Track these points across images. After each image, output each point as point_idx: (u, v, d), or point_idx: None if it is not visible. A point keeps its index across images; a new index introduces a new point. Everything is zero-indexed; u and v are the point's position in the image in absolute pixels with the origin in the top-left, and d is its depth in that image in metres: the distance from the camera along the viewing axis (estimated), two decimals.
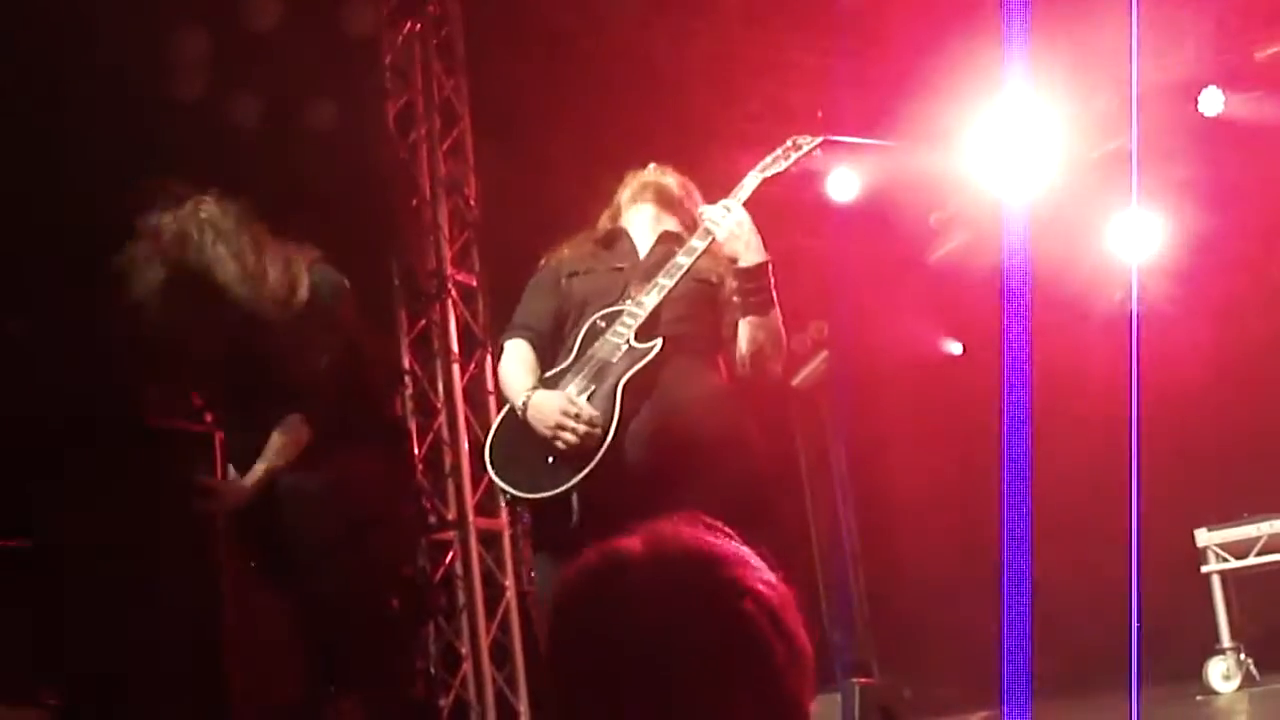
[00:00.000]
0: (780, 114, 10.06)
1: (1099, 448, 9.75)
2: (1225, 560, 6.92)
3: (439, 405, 7.84)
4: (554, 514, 4.11)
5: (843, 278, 11.05)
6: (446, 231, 7.95)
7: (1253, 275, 9.10)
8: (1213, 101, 8.22)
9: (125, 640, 4.54)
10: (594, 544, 1.87)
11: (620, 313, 4.26)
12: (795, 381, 11.51)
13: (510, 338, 4.50)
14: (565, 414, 4.08)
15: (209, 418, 5.73)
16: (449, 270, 7.90)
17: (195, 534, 4.72)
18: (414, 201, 7.99)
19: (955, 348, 11.70)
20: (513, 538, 7.80)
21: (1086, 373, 9.74)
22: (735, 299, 4.36)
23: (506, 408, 4.36)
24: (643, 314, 4.22)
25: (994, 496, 10.79)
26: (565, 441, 4.07)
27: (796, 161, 4.52)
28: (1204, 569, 6.96)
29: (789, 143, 4.57)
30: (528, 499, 4.20)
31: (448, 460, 7.79)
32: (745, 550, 1.86)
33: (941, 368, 11.70)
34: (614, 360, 4.18)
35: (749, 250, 4.30)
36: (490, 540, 7.82)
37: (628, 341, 4.19)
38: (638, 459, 4.08)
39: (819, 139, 4.58)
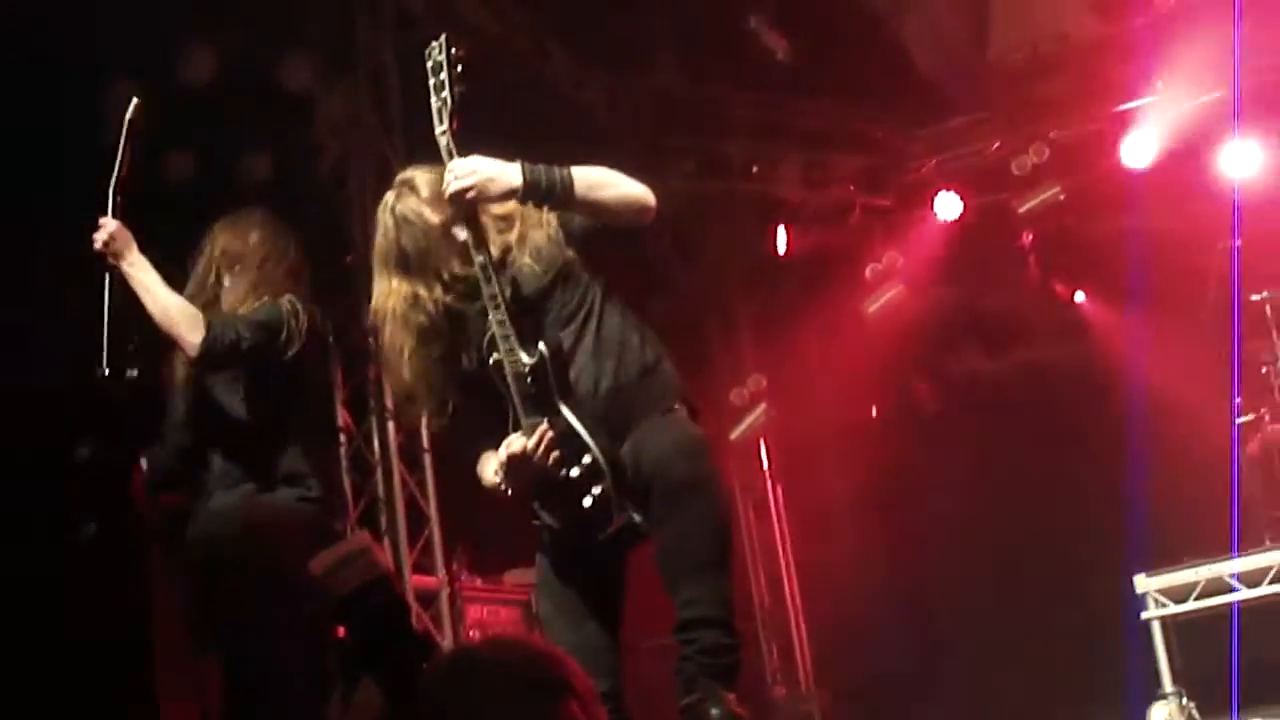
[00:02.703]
0: (716, 167, 10.14)
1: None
2: (1165, 605, 6.93)
3: (375, 463, 7.78)
4: (617, 538, 4.03)
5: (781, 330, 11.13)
6: None
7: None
8: None
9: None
10: None
11: (494, 340, 4.03)
12: (734, 435, 11.51)
13: (474, 457, 4.24)
14: (513, 463, 3.98)
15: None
16: None
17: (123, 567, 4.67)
18: (348, 258, 7.94)
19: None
20: (450, 596, 7.73)
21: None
22: (547, 215, 4.12)
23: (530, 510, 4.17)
24: (505, 329, 3.97)
25: (933, 547, 10.88)
26: (546, 470, 3.95)
27: (463, 77, 4.16)
28: (1144, 615, 6.97)
29: (430, 68, 4.23)
30: (599, 540, 4.03)
31: (384, 518, 7.72)
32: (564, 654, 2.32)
33: (870, 427, 11.79)
34: (531, 389, 3.98)
35: (502, 178, 3.97)
36: (427, 599, 7.75)
37: (522, 362, 3.98)
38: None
39: (444, 38, 4.24)
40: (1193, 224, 9.04)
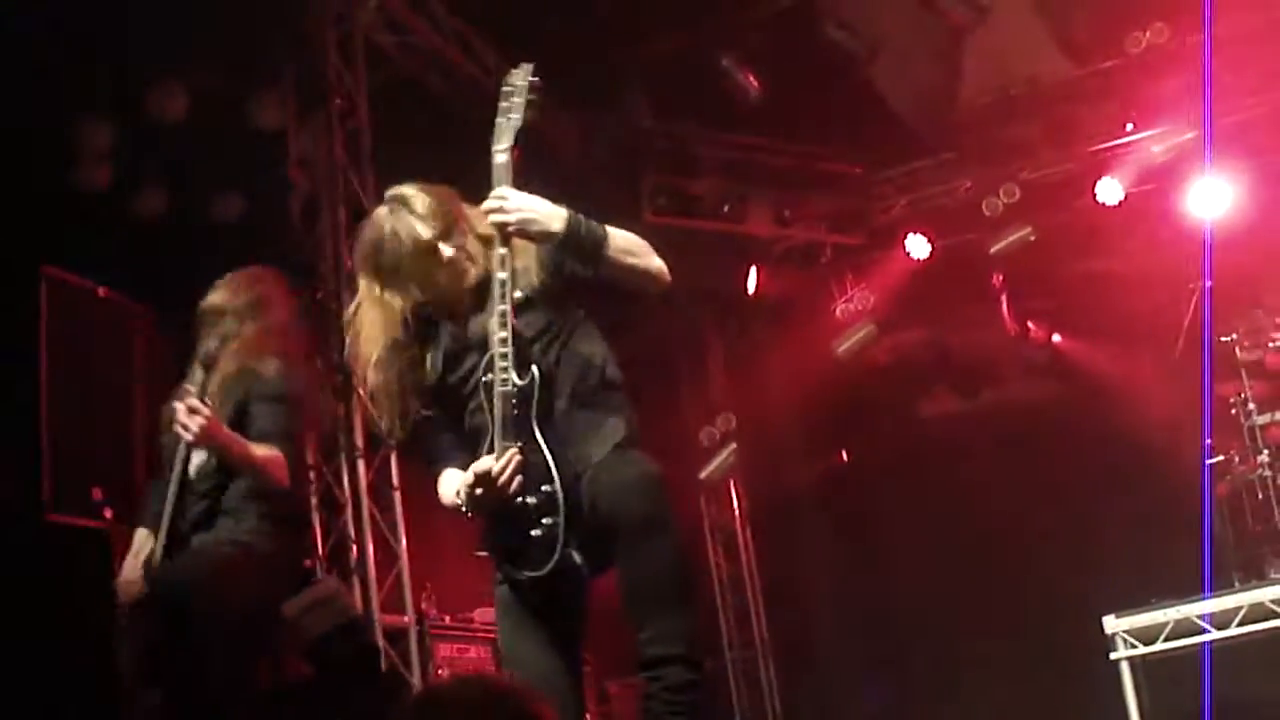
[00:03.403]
0: (687, 206, 10.16)
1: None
2: (1134, 646, 6.93)
3: (344, 501, 7.75)
4: (564, 577, 3.98)
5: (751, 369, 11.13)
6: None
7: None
8: None
9: None
10: None
11: (488, 358, 4.01)
12: (703, 475, 11.52)
13: (434, 474, 4.23)
14: (478, 484, 3.93)
15: (108, 514, 5.65)
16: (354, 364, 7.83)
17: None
18: (318, 294, 7.92)
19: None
20: (419, 634, 7.69)
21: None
22: (575, 266, 4.09)
23: (481, 530, 4.12)
24: (507, 349, 3.96)
25: (902, 590, 10.89)
26: (506, 495, 3.91)
27: (532, 106, 4.11)
28: (1112, 656, 6.96)
29: (505, 92, 4.16)
30: (538, 576, 3.98)
31: (353, 556, 7.68)
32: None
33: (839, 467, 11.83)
34: (514, 409, 3.96)
35: (551, 223, 3.97)
36: (395, 637, 7.71)
37: (513, 383, 3.96)
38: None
39: (527, 67, 4.21)
40: (1164, 265, 9.08)
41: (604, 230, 4.05)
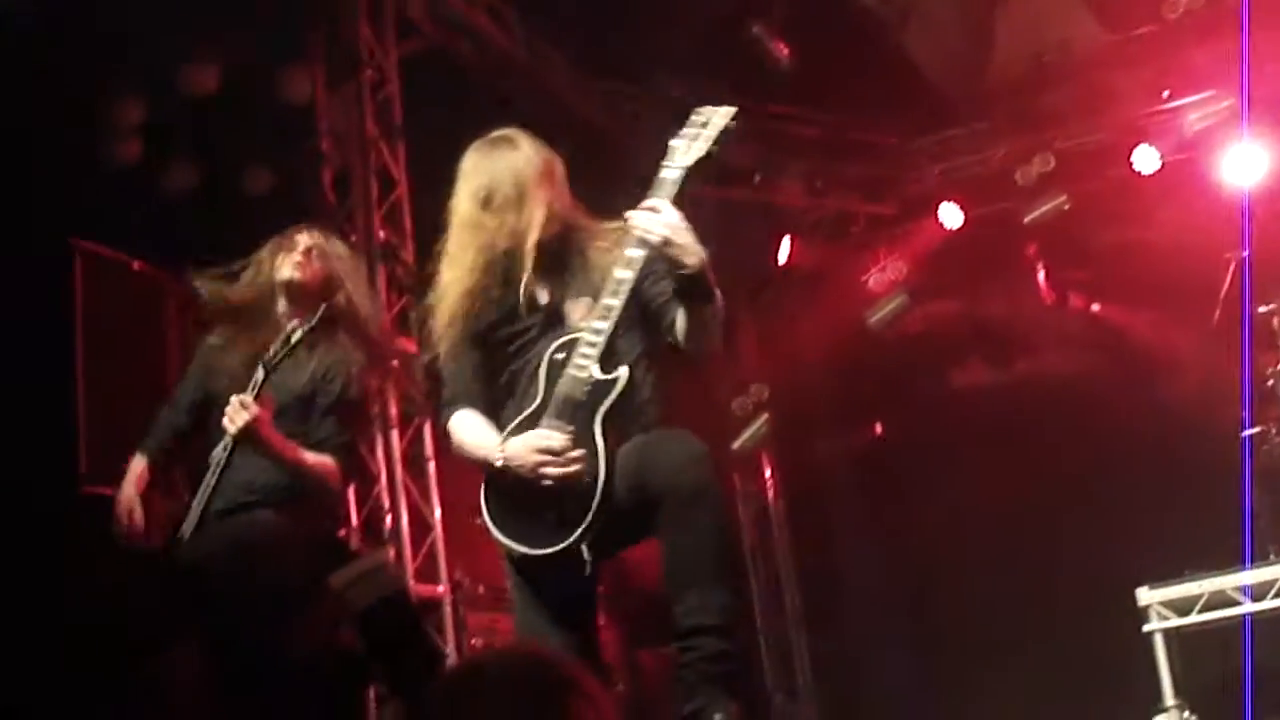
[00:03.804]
0: (718, 176, 10.13)
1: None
2: (1167, 618, 6.89)
3: (378, 472, 7.76)
4: (565, 564, 4.02)
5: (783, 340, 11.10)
6: (384, 298, 7.89)
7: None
8: None
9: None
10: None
11: (575, 341, 4.10)
12: (736, 446, 11.50)
13: (453, 412, 4.33)
14: (541, 450, 3.98)
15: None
16: None
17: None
18: None
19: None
20: (454, 604, 7.72)
21: None
22: (675, 298, 4.15)
23: (486, 476, 4.17)
24: (601, 340, 4.04)
25: (934, 560, 10.86)
26: (552, 477, 3.97)
27: (718, 143, 4.16)
28: (1146, 627, 6.93)
29: (696, 119, 4.21)
30: (537, 555, 4.04)
31: (387, 527, 7.70)
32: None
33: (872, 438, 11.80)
34: (582, 396, 4.03)
35: (687, 253, 3.99)
36: (430, 607, 7.73)
37: (592, 374, 4.03)
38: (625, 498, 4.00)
39: (730, 110, 4.22)
40: (1201, 234, 9.00)
41: (718, 293, 4.12)
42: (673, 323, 4.19)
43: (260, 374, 4.86)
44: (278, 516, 4.86)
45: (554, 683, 2.24)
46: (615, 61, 9.34)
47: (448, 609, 7.67)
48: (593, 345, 4.04)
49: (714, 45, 9.41)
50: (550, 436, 3.99)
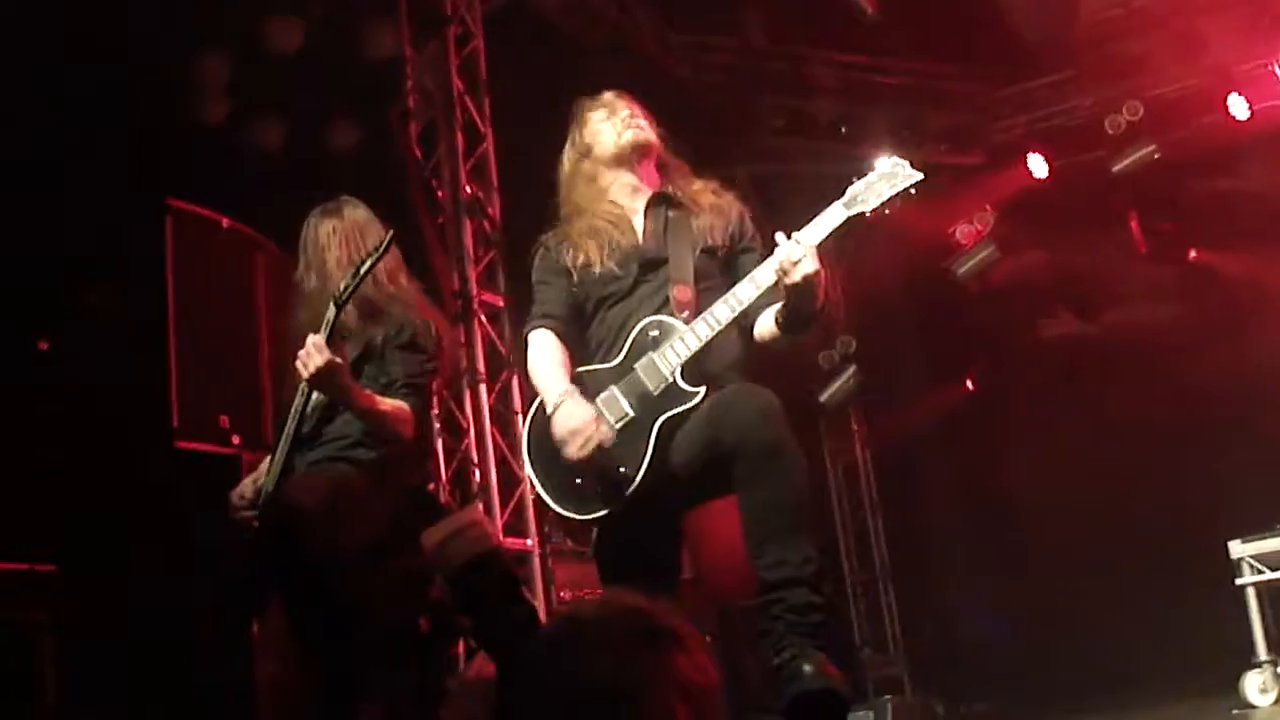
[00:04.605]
0: (804, 127, 10.08)
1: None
2: (1260, 572, 6.83)
3: (466, 426, 7.81)
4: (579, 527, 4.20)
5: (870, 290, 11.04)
6: (471, 252, 7.92)
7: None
8: None
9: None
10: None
11: (672, 329, 4.20)
12: (823, 398, 11.47)
13: (535, 328, 4.45)
14: (576, 433, 4.09)
15: (236, 440, 5.70)
16: (474, 290, 7.88)
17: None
18: (439, 221, 7.97)
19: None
20: (542, 557, 7.76)
21: None
22: (777, 324, 4.25)
23: (537, 402, 4.31)
24: (696, 345, 4.14)
25: (1023, 514, 10.81)
26: (568, 455, 4.09)
27: (890, 205, 4.29)
28: (1238, 581, 6.88)
29: (883, 167, 4.33)
30: (551, 508, 4.24)
31: (475, 481, 7.75)
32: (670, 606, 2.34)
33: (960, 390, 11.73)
34: (655, 393, 4.14)
35: (809, 301, 4.11)
36: (519, 561, 7.78)
37: (674, 376, 4.13)
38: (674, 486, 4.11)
39: (918, 176, 4.34)
40: None
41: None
42: (760, 325, 4.33)
43: (331, 311, 4.78)
44: (366, 470, 4.88)
45: (654, 631, 2.25)
46: (701, 12, 9.30)
47: (536, 562, 7.72)
48: (686, 346, 4.14)
49: None
50: (599, 428, 4.10)
